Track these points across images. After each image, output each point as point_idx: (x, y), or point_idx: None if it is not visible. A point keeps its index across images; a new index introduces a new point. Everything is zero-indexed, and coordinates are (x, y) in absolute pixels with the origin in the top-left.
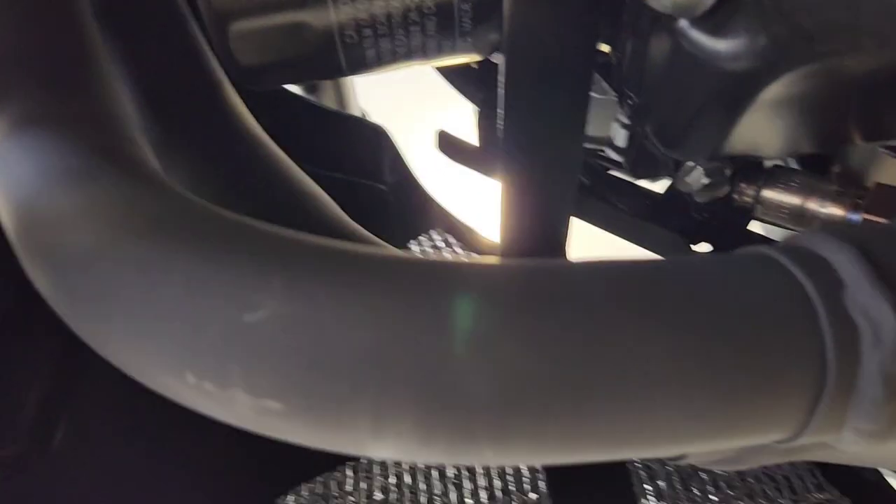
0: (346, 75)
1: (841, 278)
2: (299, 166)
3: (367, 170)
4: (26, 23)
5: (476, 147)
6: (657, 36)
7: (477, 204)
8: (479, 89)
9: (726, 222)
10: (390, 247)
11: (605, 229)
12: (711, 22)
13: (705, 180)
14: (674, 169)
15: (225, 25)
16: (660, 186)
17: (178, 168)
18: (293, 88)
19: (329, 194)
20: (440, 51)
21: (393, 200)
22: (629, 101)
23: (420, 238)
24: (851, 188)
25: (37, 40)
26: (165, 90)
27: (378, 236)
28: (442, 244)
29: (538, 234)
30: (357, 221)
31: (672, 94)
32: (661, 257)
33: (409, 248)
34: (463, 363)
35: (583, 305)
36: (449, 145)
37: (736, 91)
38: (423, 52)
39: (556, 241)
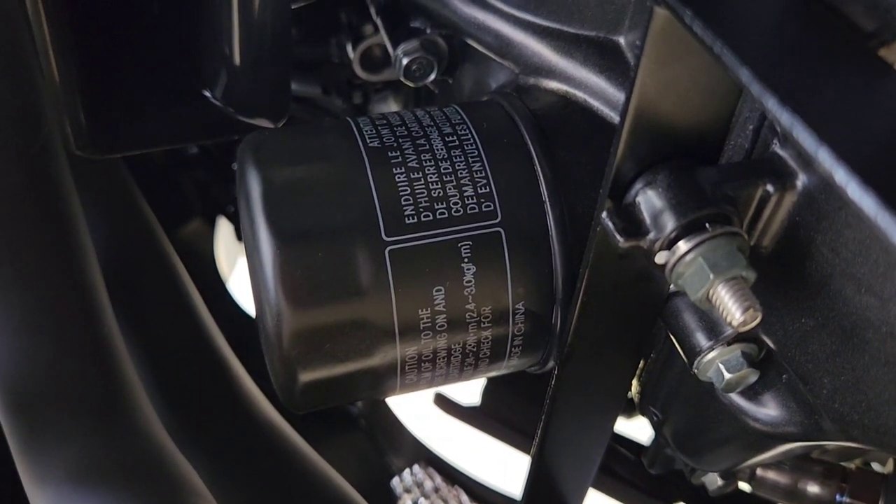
0: (394, 396)
1: None
2: (258, 384)
3: None
4: (52, 345)
5: (474, 408)
6: (688, 376)
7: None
8: None
9: None
10: None
11: (614, 498)
12: (751, 390)
13: (720, 482)
14: (690, 469)
15: (294, 374)
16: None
17: (198, 464)
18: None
19: (296, 419)
20: (484, 376)
21: (364, 424)
22: (654, 417)
23: (403, 475)
24: (836, 470)
25: (67, 366)
26: (179, 381)
27: (351, 464)
28: (425, 480)
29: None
30: (326, 446)
31: (699, 424)
32: None
33: (392, 487)
34: None
35: None
36: (446, 405)
37: (762, 442)
38: (468, 378)
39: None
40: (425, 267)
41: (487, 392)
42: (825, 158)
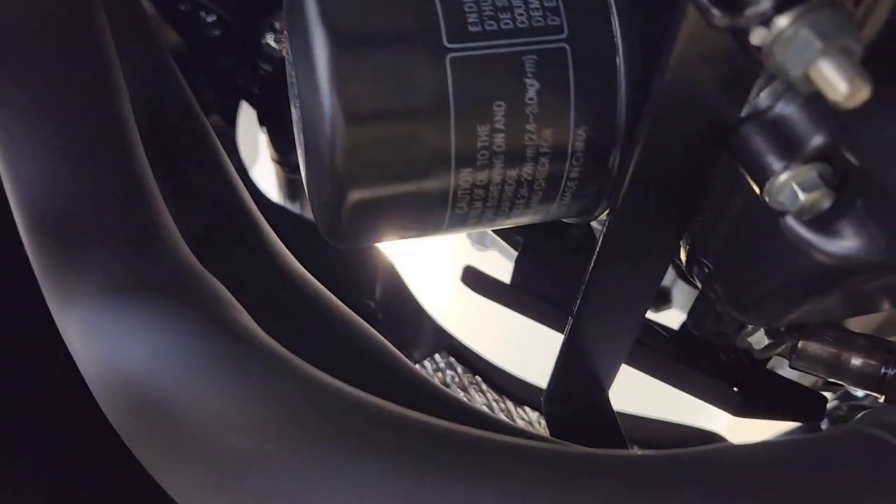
0: (439, 235)
1: None
2: None
3: (354, 285)
4: (86, 171)
5: (506, 285)
6: (748, 215)
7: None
8: (518, 233)
9: (752, 365)
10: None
11: (646, 373)
12: (821, 221)
13: (767, 340)
14: (737, 328)
15: (345, 192)
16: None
17: None
18: (274, 197)
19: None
20: (531, 218)
21: (382, 318)
22: (705, 269)
23: (423, 365)
24: (881, 343)
25: (100, 191)
26: (207, 233)
27: None
28: (446, 368)
29: (588, 377)
30: None
31: (758, 270)
32: (705, 401)
33: None
34: None
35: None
36: (476, 281)
37: (830, 280)
38: (515, 220)
39: (602, 384)
40: (487, 79)
41: (519, 266)
42: None
